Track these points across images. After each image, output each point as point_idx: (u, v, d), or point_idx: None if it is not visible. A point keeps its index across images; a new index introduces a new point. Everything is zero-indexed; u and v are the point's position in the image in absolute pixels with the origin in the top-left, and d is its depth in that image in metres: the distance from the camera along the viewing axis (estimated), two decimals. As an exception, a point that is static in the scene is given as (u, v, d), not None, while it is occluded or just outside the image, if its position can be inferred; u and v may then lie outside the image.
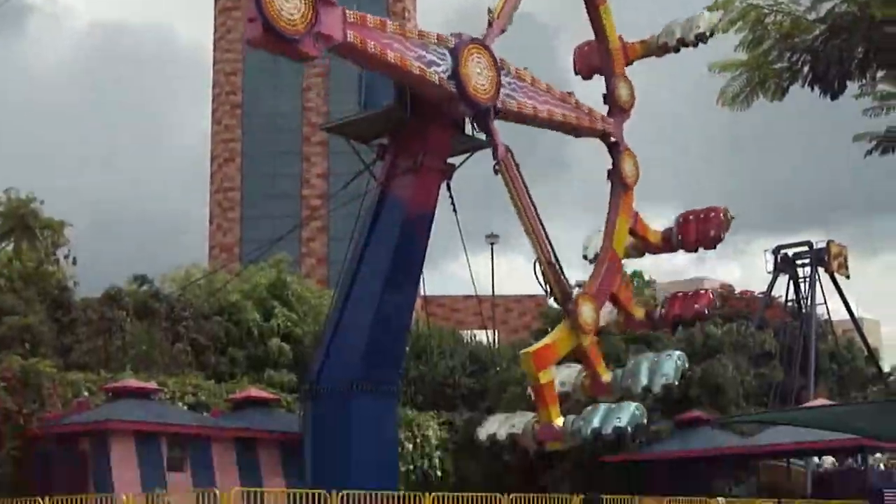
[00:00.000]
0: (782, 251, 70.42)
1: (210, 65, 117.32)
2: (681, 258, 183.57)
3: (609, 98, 40.59)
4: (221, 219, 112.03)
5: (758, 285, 74.98)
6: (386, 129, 35.80)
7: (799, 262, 70.15)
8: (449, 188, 36.54)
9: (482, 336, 59.32)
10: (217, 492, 26.70)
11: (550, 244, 36.22)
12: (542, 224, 36.08)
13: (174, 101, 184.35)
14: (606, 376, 36.66)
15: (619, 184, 39.79)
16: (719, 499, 39.14)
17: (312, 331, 49.19)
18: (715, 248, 42.07)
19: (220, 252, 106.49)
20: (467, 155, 36.86)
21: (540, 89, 37.07)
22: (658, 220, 40.57)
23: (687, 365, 37.83)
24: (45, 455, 35.25)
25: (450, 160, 36.33)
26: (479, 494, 32.05)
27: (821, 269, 68.84)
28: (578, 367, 37.09)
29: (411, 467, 43.38)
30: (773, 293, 71.30)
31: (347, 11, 30.33)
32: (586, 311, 36.15)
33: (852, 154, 18.76)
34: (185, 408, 39.78)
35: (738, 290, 78.02)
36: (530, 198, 35.79)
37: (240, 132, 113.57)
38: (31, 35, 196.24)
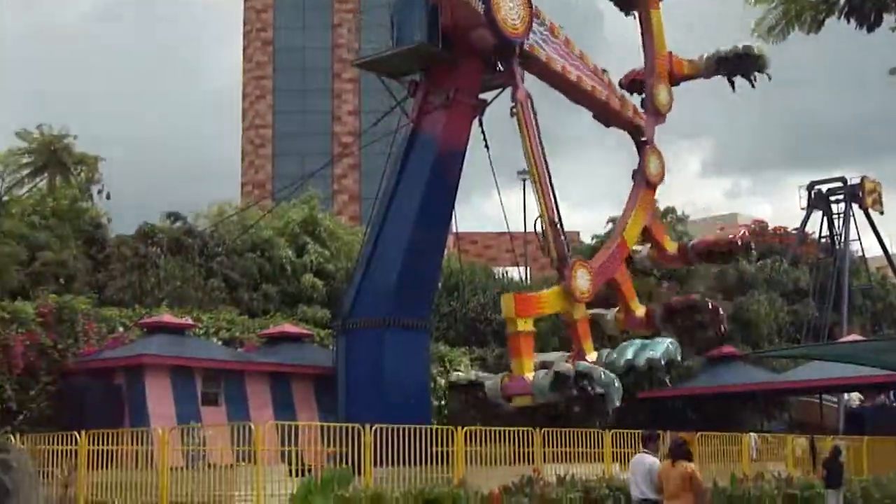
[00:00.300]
0: (816, 187, 70.02)
1: (241, 2, 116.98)
2: (715, 193, 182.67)
3: (647, 100, 40.28)
4: (253, 156, 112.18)
5: (791, 221, 74.46)
6: (418, 65, 35.67)
7: (833, 198, 69.75)
8: (481, 124, 36.44)
9: (514, 273, 59.38)
10: (251, 425, 26.92)
11: (556, 203, 35.53)
12: (550, 179, 35.46)
13: (205, 38, 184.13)
14: (592, 355, 35.36)
15: (643, 180, 39.44)
16: (751, 434, 39.20)
17: (345, 267, 49.32)
18: (727, 262, 42.32)
19: (253, 189, 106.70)
20: (499, 91, 36.69)
21: (573, 52, 36.80)
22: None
23: (679, 356, 36.48)
24: (81, 390, 35.62)
25: (481, 96, 36.19)
26: (511, 429, 32.20)
27: (855, 206, 68.44)
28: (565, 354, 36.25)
29: (443, 402, 43.60)
30: (806, 229, 71.00)
31: None
32: (581, 279, 34.73)
33: (887, 89, 18.60)
34: (220, 343, 40.06)
35: (771, 226, 77.63)
36: (542, 149, 35.37)
37: (271, 69, 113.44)
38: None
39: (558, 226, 34.95)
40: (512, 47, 34.30)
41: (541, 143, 35.14)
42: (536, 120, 35.11)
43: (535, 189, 35.13)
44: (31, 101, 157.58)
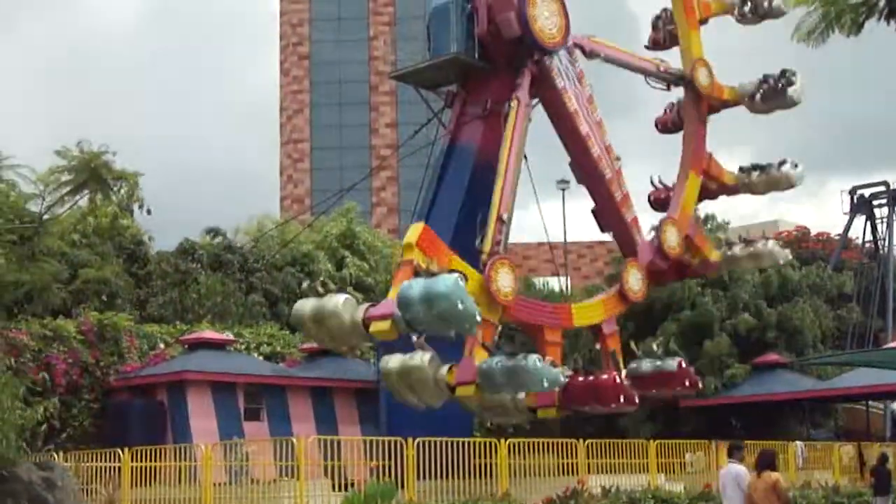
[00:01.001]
0: (859, 192, 69.43)
1: (277, 15, 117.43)
2: (754, 201, 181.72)
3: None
4: (292, 170, 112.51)
5: (834, 227, 74.05)
6: (454, 76, 35.54)
7: (876, 202, 69.15)
8: (519, 134, 36.18)
9: (554, 283, 59.12)
10: (294, 440, 26.87)
11: (512, 203, 32.65)
12: (517, 179, 32.99)
13: (242, 53, 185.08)
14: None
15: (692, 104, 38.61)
16: (798, 443, 38.78)
17: (384, 280, 49.27)
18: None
19: (291, 203, 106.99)
20: (536, 101, 36.48)
21: (592, 112, 35.28)
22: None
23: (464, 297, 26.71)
24: (123, 407, 35.77)
25: (519, 106, 35.95)
26: (555, 440, 32.00)
27: (898, 209, 67.80)
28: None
29: (486, 415, 43.42)
30: (849, 234, 70.38)
31: None
32: (503, 279, 30.37)
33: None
34: (261, 358, 40.10)
35: (813, 231, 77.08)
36: (524, 155, 33.73)
37: (308, 83, 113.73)
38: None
39: (503, 223, 31.89)
40: (545, 54, 34.03)
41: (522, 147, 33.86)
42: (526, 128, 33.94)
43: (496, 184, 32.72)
44: (70, 119, 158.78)
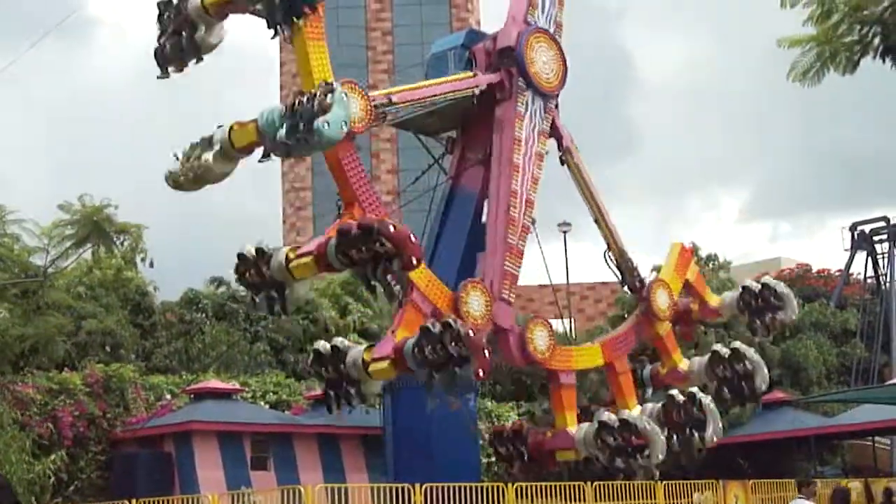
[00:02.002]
0: (859, 227, 69.52)
1: (277, 65, 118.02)
2: (755, 238, 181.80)
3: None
4: (294, 218, 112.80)
5: (835, 263, 74.04)
6: (454, 123, 35.76)
7: (876, 238, 69.19)
8: (519, 178, 36.39)
9: (558, 325, 59.15)
10: (301, 489, 26.91)
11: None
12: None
13: (242, 102, 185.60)
14: (635, 408, 32.98)
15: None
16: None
17: (389, 325, 49.28)
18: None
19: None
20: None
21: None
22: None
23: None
24: (131, 458, 35.78)
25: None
26: (563, 483, 32.00)
27: (899, 244, 67.85)
28: None
29: (493, 459, 43.35)
30: (850, 270, 70.43)
31: None
32: (539, 340, 31.52)
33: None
34: (267, 406, 40.14)
35: (815, 268, 77.12)
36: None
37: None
38: (97, 46, 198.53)
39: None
40: (548, 99, 34.33)
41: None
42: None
43: (602, 226, 35.09)
44: (70, 170, 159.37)
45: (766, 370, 34.05)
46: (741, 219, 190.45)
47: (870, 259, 69.40)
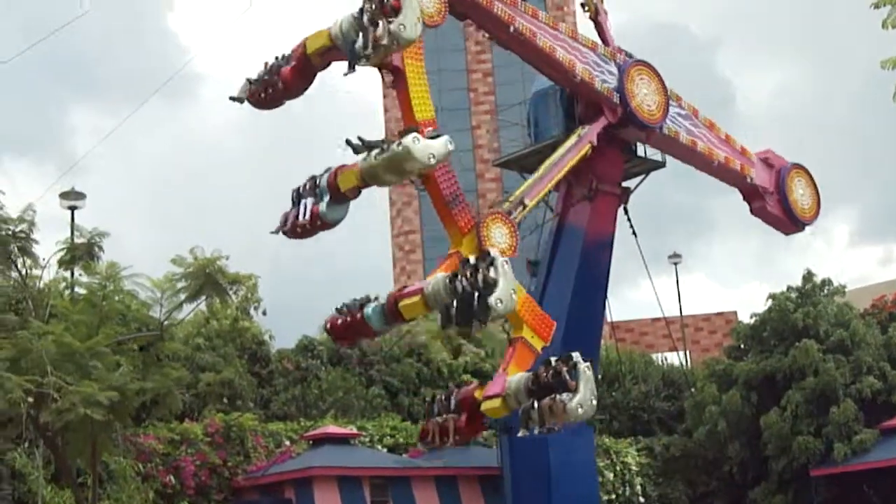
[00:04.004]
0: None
1: (381, 111, 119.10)
2: (867, 262, 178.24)
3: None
4: (404, 261, 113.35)
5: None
6: (558, 160, 35.84)
7: None
8: (626, 211, 36.40)
9: (674, 358, 58.61)
10: (422, 531, 27.03)
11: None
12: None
13: (346, 150, 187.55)
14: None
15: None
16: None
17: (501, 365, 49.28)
18: None
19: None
20: (642, 177, 36.69)
21: (720, 136, 36.76)
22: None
23: None
24: (253, 506, 36.21)
25: (624, 184, 36.20)
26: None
27: None
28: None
29: (613, 496, 43.08)
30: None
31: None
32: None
33: None
34: (385, 450, 40.33)
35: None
36: None
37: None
38: (204, 101, 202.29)
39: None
40: (651, 132, 34.33)
41: None
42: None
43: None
44: (180, 223, 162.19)
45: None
46: (851, 243, 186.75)
47: None
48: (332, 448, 37.09)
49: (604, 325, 38.07)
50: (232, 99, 30.26)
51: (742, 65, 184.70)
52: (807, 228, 39.64)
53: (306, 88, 29.84)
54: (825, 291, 46.72)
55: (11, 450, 32.59)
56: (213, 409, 40.54)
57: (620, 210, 36.16)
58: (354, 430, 39.55)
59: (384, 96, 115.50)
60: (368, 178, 27.97)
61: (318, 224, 28.52)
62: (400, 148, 26.57)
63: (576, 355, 27.30)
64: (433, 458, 38.73)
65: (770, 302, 46.05)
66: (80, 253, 32.36)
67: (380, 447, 40.63)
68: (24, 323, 30.34)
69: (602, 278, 35.20)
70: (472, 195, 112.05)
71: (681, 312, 61.11)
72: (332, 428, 38.80)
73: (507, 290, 26.69)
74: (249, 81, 30.14)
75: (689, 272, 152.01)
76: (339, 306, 29.91)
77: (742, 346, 47.60)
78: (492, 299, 26.33)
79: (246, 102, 30.54)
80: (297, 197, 28.97)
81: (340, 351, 47.92)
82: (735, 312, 75.81)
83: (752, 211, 38.74)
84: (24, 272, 32.20)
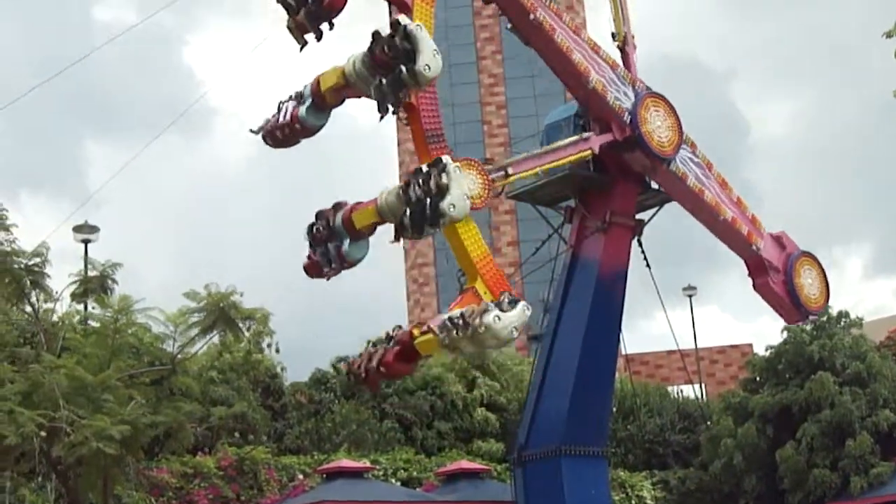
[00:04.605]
0: None
1: (395, 143, 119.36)
2: (883, 294, 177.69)
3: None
4: (418, 294, 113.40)
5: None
6: (571, 192, 35.79)
7: None
8: (640, 244, 36.26)
9: (689, 391, 58.39)
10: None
11: None
12: None
13: (361, 181, 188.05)
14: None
15: None
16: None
17: (516, 398, 49.17)
18: None
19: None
20: (655, 209, 36.55)
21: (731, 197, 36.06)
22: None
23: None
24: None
25: (638, 216, 36.08)
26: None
27: None
28: None
29: (629, 529, 42.80)
30: None
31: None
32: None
33: None
34: (398, 483, 40.16)
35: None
36: None
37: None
38: (217, 135, 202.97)
39: None
40: (662, 161, 34.14)
41: None
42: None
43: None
44: (192, 257, 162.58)
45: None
46: (866, 275, 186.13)
47: None
48: (345, 482, 36.88)
49: (619, 357, 37.87)
50: (252, 132, 30.34)
51: (755, 96, 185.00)
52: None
53: (322, 127, 29.90)
54: (841, 324, 46.58)
55: (23, 485, 32.53)
56: (226, 442, 40.46)
57: (634, 242, 36.00)
58: (368, 464, 39.39)
59: (398, 129, 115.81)
60: (450, 351, 28.72)
61: (297, 128, 28.77)
62: (483, 330, 26.53)
63: (444, 158, 27.39)
64: (446, 493, 38.55)
65: (785, 334, 45.91)
66: (93, 286, 32.40)
67: (393, 481, 40.48)
68: (36, 356, 30.37)
69: (616, 311, 35.02)
70: (486, 228, 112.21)
71: (696, 345, 60.98)
72: (346, 461, 38.64)
73: (460, 195, 26.98)
74: (265, 122, 30.33)
75: (704, 304, 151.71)
76: (272, 113, 29.81)
77: (758, 378, 47.43)
78: (444, 204, 26.74)
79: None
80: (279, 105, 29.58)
81: (354, 385, 47.84)
82: (750, 345, 75.81)
83: (754, 286, 36.92)
84: (37, 306, 32.26)
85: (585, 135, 33.29)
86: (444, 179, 26.94)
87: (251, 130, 30.43)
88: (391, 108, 27.59)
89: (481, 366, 52.81)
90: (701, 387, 60.20)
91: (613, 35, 36.60)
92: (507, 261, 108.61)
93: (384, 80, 27.08)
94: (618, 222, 34.55)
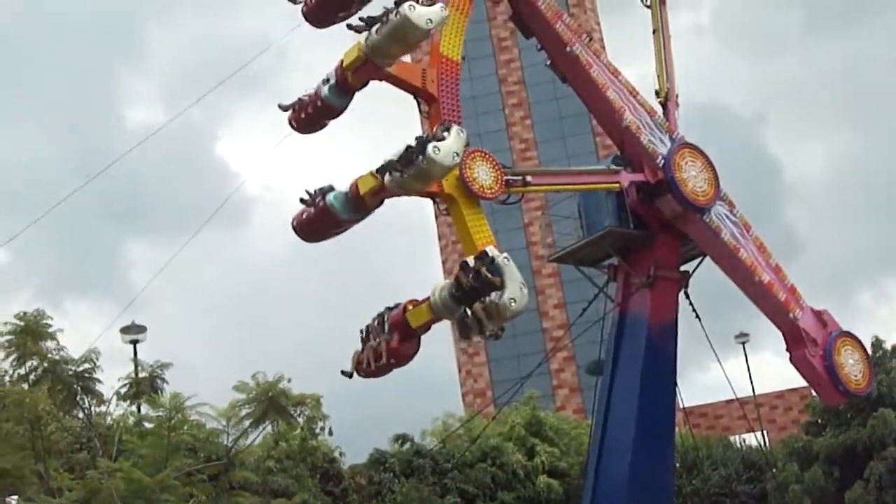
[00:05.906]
0: None
1: (432, 217, 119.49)
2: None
3: None
4: (469, 365, 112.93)
5: None
6: (613, 249, 35.52)
7: None
8: (687, 295, 35.88)
9: (751, 439, 57.58)
10: None
11: None
12: None
13: (402, 258, 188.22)
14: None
15: None
16: None
17: (577, 462, 48.66)
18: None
19: (474, 398, 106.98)
20: (699, 260, 36.19)
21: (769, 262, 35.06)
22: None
23: None
24: None
25: (682, 268, 35.75)
26: None
27: None
28: None
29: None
30: None
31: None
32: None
33: None
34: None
35: None
36: None
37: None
38: (255, 225, 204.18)
39: None
40: (698, 212, 33.76)
41: None
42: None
43: None
44: (239, 349, 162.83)
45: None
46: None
47: None
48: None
49: (676, 411, 37.36)
50: (343, 374, 29.35)
51: (787, 138, 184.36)
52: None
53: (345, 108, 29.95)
54: (878, 354, 45.93)
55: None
56: (288, 530, 40.20)
57: (682, 295, 35.64)
58: (433, 542, 38.99)
59: (437, 224, 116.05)
60: (375, 55, 28.00)
61: (391, 362, 28.31)
62: (398, 17, 26.86)
63: (489, 249, 27.11)
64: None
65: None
66: (144, 387, 32.47)
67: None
68: (92, 461, 30.35)
69: (670, 365, 34.60)
70: (532, 291, 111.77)
71: (753, 392, 60.25)
72: (410, 541, 38.30)
73: (517, 287, 26.97)
74: (284, 107, 30.40)
75: (758, 350, 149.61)
76: (302, 197, 29.57)
77: (819, 420, 46.80)
78: (504, 300, 26.47)
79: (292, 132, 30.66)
80: (366, 335, 28.83)
81: (412, 461, 47.54)
82: (808, 387, 74.58)
83: (791, 359, 34.43)
84: (88, 411, 32.33)
85: (615, 167, 33.04)
86: (441, 132, 26.83)
87: (343, 372, 29.11)
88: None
89: (538, 432, 52.36)
90: (763, 434, 59.38)
91: (657, 92, 36.48)
92: (555, 323, 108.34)
93: (469, 311, 26.70)
94: (663, 276, 34.22)
